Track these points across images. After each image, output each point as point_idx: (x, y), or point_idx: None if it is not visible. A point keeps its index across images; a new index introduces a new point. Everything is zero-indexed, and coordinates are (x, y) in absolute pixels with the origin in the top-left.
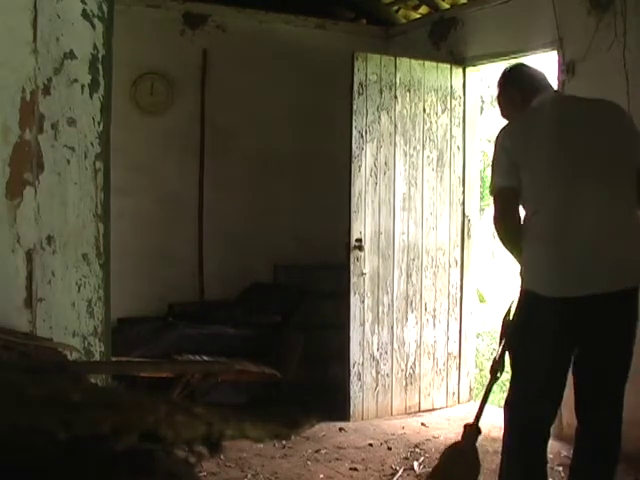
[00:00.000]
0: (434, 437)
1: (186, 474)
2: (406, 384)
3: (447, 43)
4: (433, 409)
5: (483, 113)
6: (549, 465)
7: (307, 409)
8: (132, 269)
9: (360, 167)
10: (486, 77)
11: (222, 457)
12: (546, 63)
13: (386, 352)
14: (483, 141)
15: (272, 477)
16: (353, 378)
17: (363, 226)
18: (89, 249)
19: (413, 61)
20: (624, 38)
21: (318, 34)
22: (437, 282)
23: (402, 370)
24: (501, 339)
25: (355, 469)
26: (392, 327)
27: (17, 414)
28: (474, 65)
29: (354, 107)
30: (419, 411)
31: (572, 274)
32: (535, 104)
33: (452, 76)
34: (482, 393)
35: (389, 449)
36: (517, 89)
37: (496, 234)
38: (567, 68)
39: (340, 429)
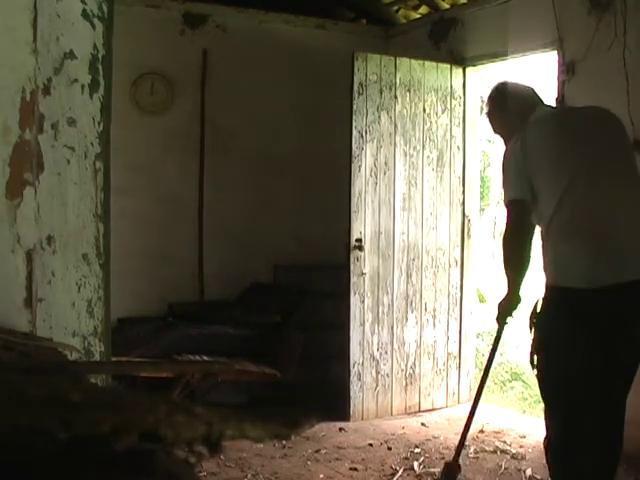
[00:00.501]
0: (434, 437)
1: (186, 474)
2: (406, 384)
3: (447, 43)
4: (433, 409)
5: (483, 113)
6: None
7: (307, 409)
8: (132, 269)
9: (360, 167)
10: (486, 77)
11: (222, 457)
12: (546, 63)
13: (386, 352)
14: (483, 141)
15: (272, 477)
16: (353, 378)
17: (363, 226)
18: (89, 249)
19: (413, 61)
20: (624, 38)
21: (318, 34)
22: (437, 282)
23: (402, 370)
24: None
25: (355, 469)
26: (392, 327)
27: (17, 414)
28: (474, 65)
29: (354, 107)
30: (419, 411)
31: (605, 264)
32: (534, 118)
33: (452, 76)
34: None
35: (389, 449)
36: (515, 107)
37: (505, 245)
38: (567, 68)
39: (340, 429)
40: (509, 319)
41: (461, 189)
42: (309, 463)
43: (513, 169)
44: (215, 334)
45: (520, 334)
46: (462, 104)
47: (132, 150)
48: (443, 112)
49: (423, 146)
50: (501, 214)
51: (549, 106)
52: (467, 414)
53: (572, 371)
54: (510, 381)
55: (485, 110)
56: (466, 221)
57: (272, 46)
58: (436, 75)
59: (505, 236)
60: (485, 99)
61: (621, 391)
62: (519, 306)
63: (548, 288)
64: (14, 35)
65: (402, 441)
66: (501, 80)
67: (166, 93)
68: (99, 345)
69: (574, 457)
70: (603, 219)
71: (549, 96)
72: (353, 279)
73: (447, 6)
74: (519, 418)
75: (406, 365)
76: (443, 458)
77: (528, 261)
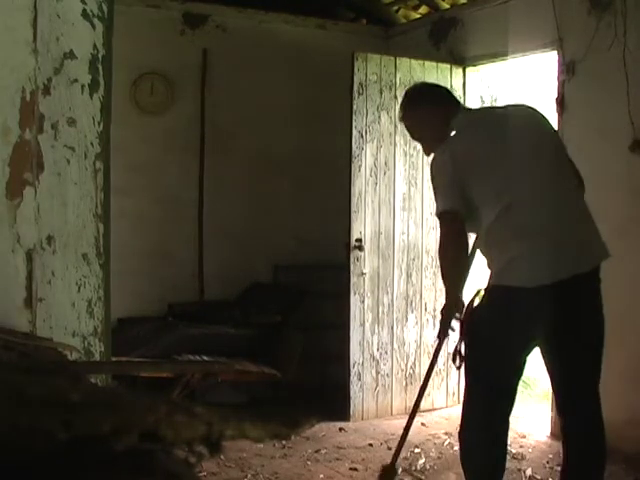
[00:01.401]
0: (434, 437)
1: (186, 474)
2: (406, 384)
3: (447, 43)
4: (433, 409)
5: None
6: (549, 465)
7: (307, 409)
8: (132, 269)
9: (360, 167)
10: (486, 77)
11: (222, 457)
12: (546, 63)
13: (386, 352)
14: None
15: (272, 477)
16: (353, 378)
17: (363, 226)
18: (89, 249)
19: (413, 61)
20: (624, 38)
21: (318, 34)
22: (437, 282)
23: (402, 370)
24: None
25: (355, 469)
26: (392, 327)
27: (17, 414)
28: (474, 65)
29: (354, 107)
30: (419, 411)
31: (546, 262)
32: (459, 122)
33: (452, 76)
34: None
35: (389, 449)
36: (440, 110)
37: (442, 256)
38: (567, 68)
39: (340, 429)
40: (454, 323)
41: None
42: (309, 463)
43: (444, 181)
44: (215, 334)
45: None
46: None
47: (132, 150)
48: None
49: None
50: None
51: (468, 109)
52: (406, 422)
53: (508, 368)
54: None
55: (399, 115)
56: None
57: (272, 46)
58: (436, 75)
59: (441, 247)
60: (485, 99)
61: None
62: (462, 309)
63: (491, 287)
64: (14, 35)
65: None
66: (416, 83)
67: (166, 93)
68: (99, 345)
69: (495, 453)
70: (543, 219)
71: (549, 96)
72: (353, 279)
73: (447, 6)
74: (519, 418)
75: (406, 365)
76: (442, 458)
77: (466, 269)
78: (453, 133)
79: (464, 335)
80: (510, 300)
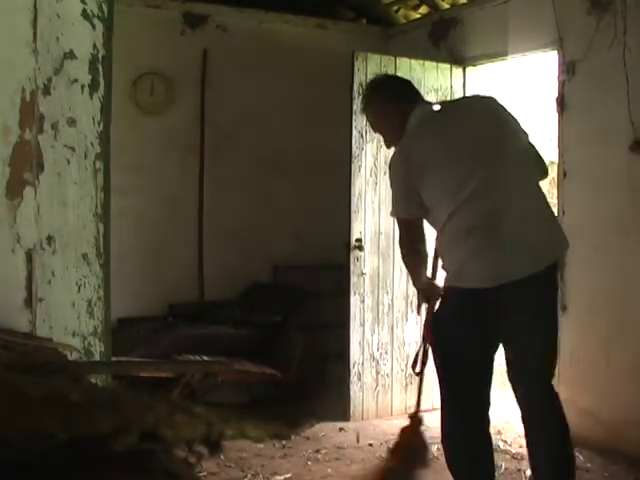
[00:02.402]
0: (434, 437)
1: (186, 474)
2: (406, 384)
3: (447, 43)
4: (433, 409)
5: None
6: None
7: (307, 409)
8: (132, 269)
9: (360, 167)
10: (486, 77)
11: (222, 457)
12: (546, 63)
13: (386, 352)
14: None
15: (272, 477)
16: (353, 378)
17: (363, 226)
18: (89, 249)
19: (413, 61)
20: (624, 38)
21: (318, 34)
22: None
23: (402, 370)
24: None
25: (355, 469)
26: (392, 327)
27: (17, 414)
28: (474, 65)
29: (354, 107)
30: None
31: (498, 263)
32: (415, 119)
33: (452, 76)
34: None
35: (389, 449)
36: (394, 104)
37: (402, 253)
38: (567, 68)
39: (340, 429)
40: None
41: None
42: (309, 463)
43: (398, 181)
44: (215, 334)
45: None
46: None
47: (132, 150)
48: None
49: None
50: None
51: (428, 102)
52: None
53: (469, 366)
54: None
55: (361, 107)
56: None
57: (272, 46)
58: (436, 75)
59: (400, 245)
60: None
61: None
62: (435, 289)
63: (446, 288)
64: (14, 35)
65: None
66: (377, 75)
67: (166, 93)
68: (99, 345)
69: (473, 449)
70: (497, 220)
71: (549, 96)
72: (353, 279)
73: (447, 6)
74: (519, 418)
75: (406, 365)
76: (441, 458)
77: (425, 259)
78: (410, 130)
79: (428, 337)
80: (463, 300)
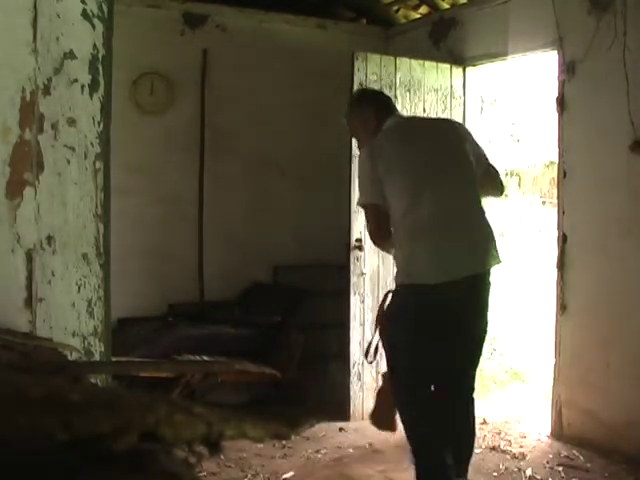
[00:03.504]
0: None
1: (186, 474)
2: None
3: (447, 43)
4: None
5: (483, 113)
6: (549, 465)
7: (307, 409)
8: (132, 269)
9: None
10: (486, 77)
11: (222, 457)
12: (546, 63)
13: None
14: (483, 141)
15: (272, 477)
16: (353, 378)
17: (363, 226)
18: (89, 249)
19: (413, 61)
20: (624, 38)
21: (318, 34)
22: None
23: None
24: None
25: (355, 469)
26: None
27: (17, 414)
28: (474, 65)
29: None
30: None
31: (448, 262)
32: (387, 125)
33: (452, 76)
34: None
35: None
36: (372, 110)
37: (374, 242)
38: (567, 68)
39: (340, 429)
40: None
41: None
42: (309, 463)
43: (364, 174)
44: (215, 334)
45: (520, 334)
46: (462, 104)
47: (132, 150)
48: (443, 112)
49: None
50: (501, 214)
51: (399, 116)
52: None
53: (420, 361)
54: (510, 381)
55: (345, 112)
56: None
57: (272, 46)
58: (436, 75)
59: (371, 238)
60: (485, 99)
61: (469, 375)
62: None
63: (398, 286)
64: (14, 35)
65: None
66: (361, 88)
67: (166, 93)
68: (99, 345)
69: (437, 449)
70: (446, 222)
71: (549, 96)
72: (353, 279)
73: (447, 6)
74: (519, 418)
75: None
76: None
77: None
78: (382, 132)
79: (381, 331)
80: (411, 296)
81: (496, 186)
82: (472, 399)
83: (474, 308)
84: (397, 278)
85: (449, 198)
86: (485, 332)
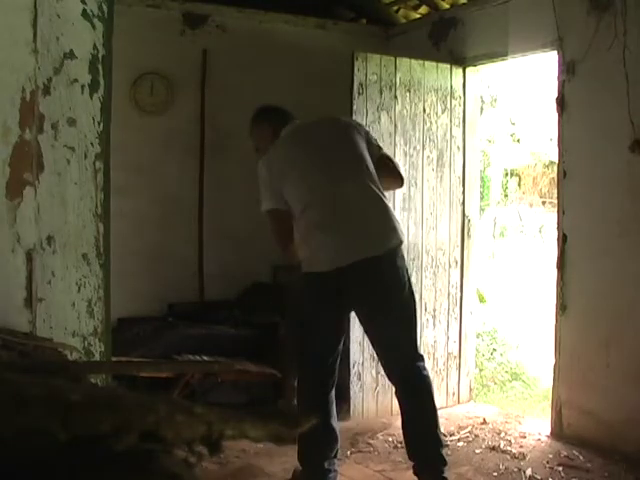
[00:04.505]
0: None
1: (186, 474)
2: None
3: (447, 43)
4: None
5: (483, 113)
6: (549, 465)
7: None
8: (132, 269)
9: None
10: (486, 77)
11: (222, 457)
12: (546, 63)
13: None
14: (483, 141)
15: (272, 477)
16: (353, 378)
17: None
18: (89, 249)
19: (413, 61)
20: (624, 38)
21: (318, 34)
22: (437, 282)
23: None
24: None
25: (355, 469)
26: None
27: (17, 414)
28: (474, 65)
29: (354, 107)
30: None
31: (341, 248)
32: (283, 133)
33: (452, 76)
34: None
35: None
36: (267, 124)
37: (279, 246)
38: (567, 68)
39: (340, 429)
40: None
41: (461, 189)
42: None
43: (263, 181)
44: (215, 334)
45: (520, 334)
46: (462, 104)
47: (132, 150)
48: (443, 112)
49: (423, 146)
50: (501, 214)
51: (296, 123)
52: None
53: (319, 344)
54: (510, 381)
55: (249, 132)
56: (466, 221)
57: (272, 46)
58: (436, 75)
59: (278, 244)
60: (486, 99)
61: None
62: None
63: (302, 274)
64: (14, 35)
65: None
66: (258, 105)
67: (166, 93)
68: (99, 345)
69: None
70: (339, 213)
71: (549, 96)
72: None
73: (447, 6)
74: (519, 418)
75: None
76: None
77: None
78: (278, 141)
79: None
80: (314, 284)
81: (395, 177)
82: (415, 376)
83: (375, 289)
84: (303, 268)
85: (340, 189)
86: (403, 309)
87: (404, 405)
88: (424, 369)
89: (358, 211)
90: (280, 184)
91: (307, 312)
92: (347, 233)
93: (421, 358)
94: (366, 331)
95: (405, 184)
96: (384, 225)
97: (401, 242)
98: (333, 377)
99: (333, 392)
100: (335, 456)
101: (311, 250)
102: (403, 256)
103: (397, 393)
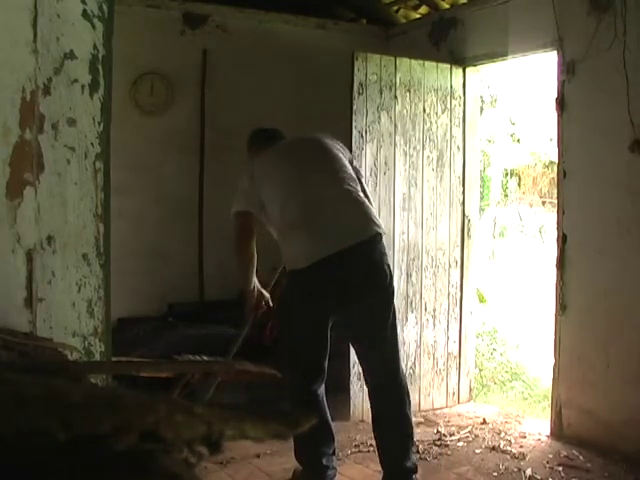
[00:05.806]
0: (433, 437)
1: (186, 474)
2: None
3: (447, 43)
4: (433, 409)
5: (483, 113)
6: (549, 465)
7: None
8: (132, 269)
9: (360, 167)
10: (486, 77)
11: (222, 456)
12: (546, 63)
13: None
14: (483, 141)
15: (272, 477)
16: (353, 378)
17: None
18: (89, 249)
19: (413, 61)
20: (624, 38)
21: (318, 34)
22: (437, 282)
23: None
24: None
25: (355, 469)
26: None
27: (17, 414)
28: (474, 65)
29: (354, 107)
30: (419, 411)
31: (316, 243)
32: (271, 149)
33: (452, 76)
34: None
35: None
36: (256, 145)
37: (234, 249)
38: (567, 68)
39: (340, 429)
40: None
41: (461, 189)
42: None
43: (242, 187)
44: (215, 334)
45: (520, 334)
46: (462, 104)
47: (132, 150)
48: (443, 112)
49: (423, 146)
50: (501, 214)
51: (284, 141)
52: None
53: (304, 342)
54: (510, 381)
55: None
56: (466, 221)
57: (272, 46)
58: (436, 75)
59: (234, 245)
60: (486, 99)
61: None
62: (263, 297)
63: (286, 273)
64: (14, 35)
65: None
66: (255, 128)
67: (166, 93)
68: (99, 345)
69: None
70: (315, 214)
71: (549, 96)
72: None
73: (447, 6)
74: (519, 418)
75: (406, 365)
76: (441, 458)
77: (253, 257)
78: (261, 156)
79: (274, 316)
80: (297, 280)
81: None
82: (394, 384)
83: (352, 279)
84: (287, 266)
85: (317, 191)
86: (384, 296)
87: (375, 412)
88: (402, 377)
89: (333, 209)
90: (260, 186)
91: (291, 309)
92: (322, 228)
93: (399, 368)
94: (345, 328)
95: (405, 184)
96: (359, 218)
97: (378, 233)
98: (322, 373)
99: (323, 387)
100: (333, 453)
101: (291, 248)
102: (384, 251)
103: (371, 395)
